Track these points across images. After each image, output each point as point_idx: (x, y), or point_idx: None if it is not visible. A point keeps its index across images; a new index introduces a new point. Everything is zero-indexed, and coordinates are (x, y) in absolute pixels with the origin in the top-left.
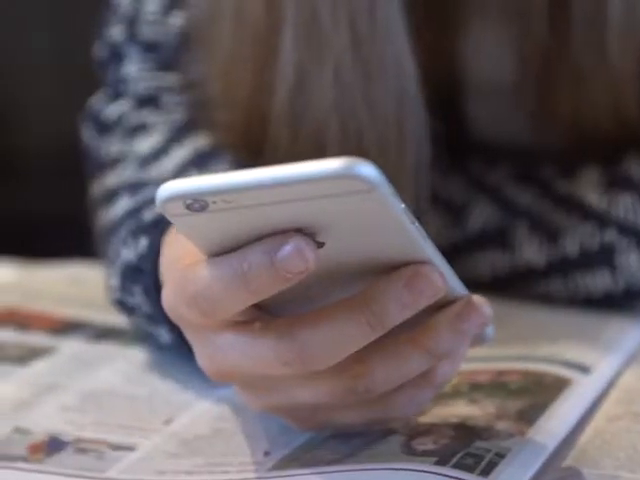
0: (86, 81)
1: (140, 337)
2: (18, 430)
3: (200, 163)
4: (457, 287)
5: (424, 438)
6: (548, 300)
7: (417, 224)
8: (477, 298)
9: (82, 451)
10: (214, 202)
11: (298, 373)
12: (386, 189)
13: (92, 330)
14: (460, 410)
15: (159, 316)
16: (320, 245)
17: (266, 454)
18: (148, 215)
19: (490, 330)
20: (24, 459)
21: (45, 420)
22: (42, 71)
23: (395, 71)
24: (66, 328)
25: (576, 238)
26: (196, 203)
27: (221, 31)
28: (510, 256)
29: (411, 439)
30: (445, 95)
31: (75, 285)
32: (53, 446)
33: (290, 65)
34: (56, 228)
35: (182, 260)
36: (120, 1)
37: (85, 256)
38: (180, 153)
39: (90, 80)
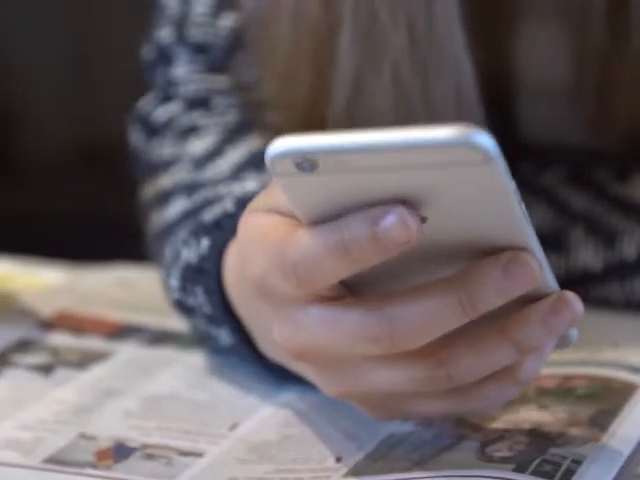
0: (93, 81)
1: (198, 339)
2: (83, 436)
3: (256, 164)
4: (550, 281)
5: (498, 444)
6: (605, 304)
7: (524, 207)
8: (569, 294)
9: (150, 457)
10: (325, 162)
11: (384, 351)
12: (501, 162)
13: (147, 334)
14: (531, 416)
15: (220, 317)
16: (423, 220)
17: (338, 460)
18: (208, 216)
19: (574, 332)
20: (92, 465)
21: (109, 426)
22: (49, 71)
23: (453, 70)
24: (121, 332)
25: (633, 241)
26: (306, 162)
27: (278, 33)
28: (565, 260)
29: (485, 445)
30: (495, 95)
31: (123, 288)
32: (120, 452)
33: (348, 66)
34: (60, 228)
35: (274, 232)
36: (168, 3)
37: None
38: (235, 154)
39: (97, 80)
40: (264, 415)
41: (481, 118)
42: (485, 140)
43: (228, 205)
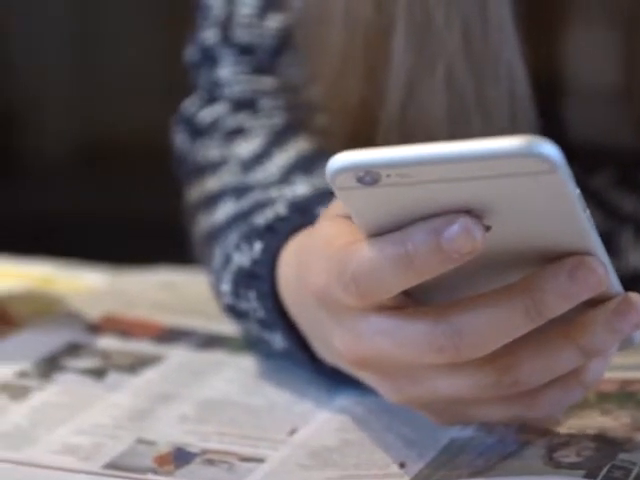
0: (97, 81)
1: (250, 343)
2: (142, 441)
3: (305, 167)
4: (615, 284)
5: (566, 450)
6: None
7: (588, 212)
8: (634, 296)
9: (211, 462)
10: (387, 175)
11: (450, 361)
12: (566, 171)
13: (196, 338)
14: (595, 421)
15: (274, 321)
16: (486, 229)
17: (402, 466)
18: (260, 219)
19: (638, 333)
20: (153, 471)
21: (166, 431)
22: (52, 71)
23: (506, 73)
24: (170, 336)
25: None
26: (368, 176)
27: (329, 35)
28: (615, 262)
29: (552, 451)
30: (544, 97)
31: (167, 291)
32: (180, 457)
33: (402, 68)
34: (67, 227)
35: (332, 243)
36: (212, 4)
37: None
38: (283, 157)
39: (101, 79)
40: (321, 420)
41: (533, 120)
42: (551, 150)
43: (280, 209)
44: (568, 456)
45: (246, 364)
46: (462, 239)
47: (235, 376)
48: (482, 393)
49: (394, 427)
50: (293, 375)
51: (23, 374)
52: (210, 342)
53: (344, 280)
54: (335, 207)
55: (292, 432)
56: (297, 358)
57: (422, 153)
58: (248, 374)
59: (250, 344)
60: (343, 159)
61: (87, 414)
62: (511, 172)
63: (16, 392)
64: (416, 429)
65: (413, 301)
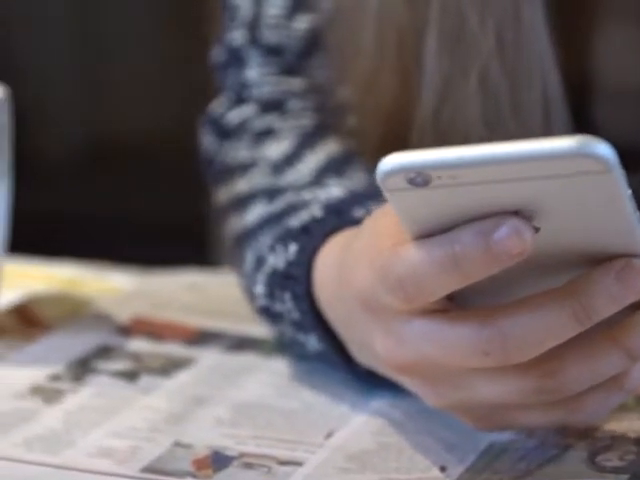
0: (103, 81)
1: (282, 346)
2: (179, 444)
3: (336, 169)
4: None
5: (608, 454)
6: None
7: (638, 214)
8: None
9: (249, 466)
10: (438, 177)
11: (495, 365)
12: (620, 171)
13: (227, 340)
14: (635, 425)
15: (309, 323)
16: (535, 230)
17: (442, 469)
18: (295, 221)
19: None
20: (192, 475)
21: (203, 434)
22: (58, 72)
23: (540, 74)
24: (200, 338)
25: None
26: (419, 177)
27: (362, 36)
28: None
29: (594, 455)
30: (574, 97)
31: (194, 292)
32: (218, 461)
33: (435, 71)
34: (66, 227)
35: (377, 245)
36: (239, 5)
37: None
38: (314, 159)
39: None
40: (358, 423)
41: (567, 122)
42: (606, 150)
43: (316, 211)
44: (610, 460)
45: (279, 367)
46: (512, 240)
47: (269, 379)
48: (525, 398)
49: (432, 430)
50: (327, 377)
51: (55, 377)
52: (241, 344)
53: (389, 283)
54: (382, 209)
55: (329, 435)
56: (332, 360)
57: (475, 154)
58: (282, 377)
59: (283, 346)
60: (394, 161)
61: (122, 417)
62: (563, 172)
63: (50, 395)
64: (455, 432)
65: (456, 305)
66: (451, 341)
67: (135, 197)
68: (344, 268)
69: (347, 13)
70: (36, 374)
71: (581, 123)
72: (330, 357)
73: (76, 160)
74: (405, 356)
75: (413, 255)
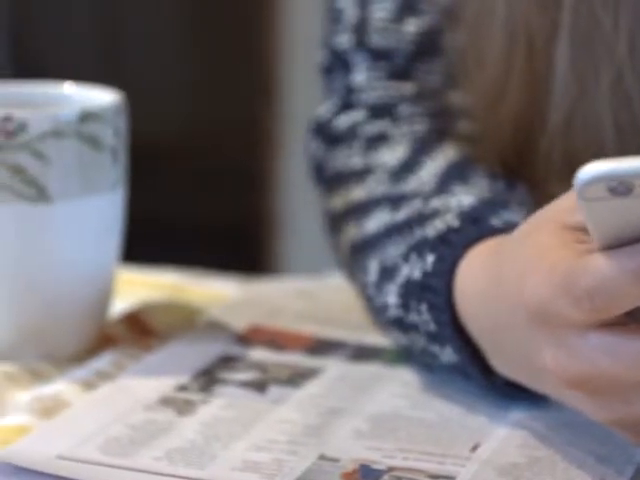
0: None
1: (410, 355)
2: (324, 457)
3: (460, 176)
4: None
5: None
6: None
7: None
8: None
9: None
10: None
11: None
12: None
13: (349, 349)
14: None
15: (447, 335)
16: None
17: None
18: (429, 230)
19: None
20: None
21: (346, 447)
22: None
23: None
24: (321, 347)
25: None
26: (622, 186)
27: (487, 44)
28: None
29: None
30: None
31: (305, 300)
32: (368, 475)
33: (566, 77)
34: None
35: (549, 254)
36: (344, 9)
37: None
38: (433, 165)
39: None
40: (501, 436)
41: None
42: None
43: (451, 220)
44: None
45: (408, 377)
46: None
47: (399, 389)
48: None
49: (578, 443)
50: (459, 388)
51: (182, 388)
52: (362, 354)
53: (575, 294)
54: (537, 218)
55: (474, 448)
56: (467, 372)
57: None
58: (413, 388)
59: (410, 356)
60: (595, 169)
61: (258, 429)
62: None
63: (181, 407)
64: (603, 445)
65: (632, 319)
66: (629, 354)
67: (168, 200)
68: (504, 277)
69: (472, 20)
70: (162, 385)
71: None
72: (466, 368)
73: None
74: (579, 369)
75: (603, 266)
